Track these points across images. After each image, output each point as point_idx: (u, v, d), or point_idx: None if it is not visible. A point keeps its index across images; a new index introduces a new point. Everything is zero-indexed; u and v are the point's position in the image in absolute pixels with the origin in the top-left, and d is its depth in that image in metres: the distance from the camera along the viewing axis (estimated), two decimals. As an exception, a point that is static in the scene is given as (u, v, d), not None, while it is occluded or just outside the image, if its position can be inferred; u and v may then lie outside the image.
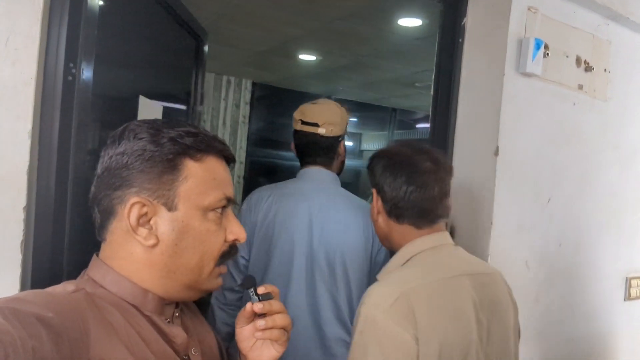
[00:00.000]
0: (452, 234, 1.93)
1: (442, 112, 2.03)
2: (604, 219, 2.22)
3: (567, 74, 2.00)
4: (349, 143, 11.25)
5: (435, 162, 1.33)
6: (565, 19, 1.98)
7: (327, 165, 1.94)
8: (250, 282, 0.95)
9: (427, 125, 8.55)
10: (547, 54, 1.89)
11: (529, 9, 1.87)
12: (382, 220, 1.37)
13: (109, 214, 0.88)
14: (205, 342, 1.02)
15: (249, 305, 0.94)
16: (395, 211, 1.32)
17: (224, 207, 0.93)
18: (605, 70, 2.12)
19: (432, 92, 2.09)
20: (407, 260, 1.30)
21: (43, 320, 0.67)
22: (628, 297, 2.35)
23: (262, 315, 0.94)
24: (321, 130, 1.89)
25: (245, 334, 0.96)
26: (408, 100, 7.62)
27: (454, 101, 1.99)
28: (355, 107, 8.32)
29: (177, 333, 0.91)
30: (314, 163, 1.94)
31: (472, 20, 1.98)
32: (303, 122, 1.92)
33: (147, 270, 0.87)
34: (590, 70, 2.05)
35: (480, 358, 1.21)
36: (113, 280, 0.87)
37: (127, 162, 0.86)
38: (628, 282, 2.34)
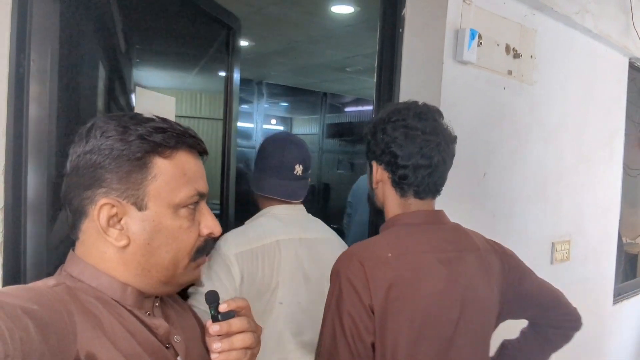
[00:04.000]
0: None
1: (386, 99, 2.15)
2: (531, 190, 2.45)
3: (498, 61, 2.19)
4: (279, 127, 11.25)
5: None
6: (496, 9, 2.15)
7: None
8: (212, 298, 0.89)
9: (356, 108, 8.68)
10: (481, 43, 2.06)
11: (464, 1, 2.03)
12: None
13: (80, 213, 0.87)
14: (187, 328, 1.01)
15: (208, 323, 0.89)
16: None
17: (196, 202, 0.91)
18: (531, 56, 2.32)
19: (375, 79, 2.20)
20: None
21: (29, 313, 0.66)
22: (554, 260, 2.60)
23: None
24: None
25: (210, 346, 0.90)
26: (338, 85, 7.77)
27: (396, 88, 2.12)
28: (286, 91, 8.39)
29: (159, 324, 0.91)
30: None
31: (411, 11, 2.10)
32: None
33: (121, 268, 0.87)
34: (519, 57, 2.24)
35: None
36: (92, 274, 0.87)
37: (95, 161, 0.84)
38: (553, 247, 2.59)
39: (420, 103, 1.39)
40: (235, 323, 0.88)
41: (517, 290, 1.46)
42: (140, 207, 0.86)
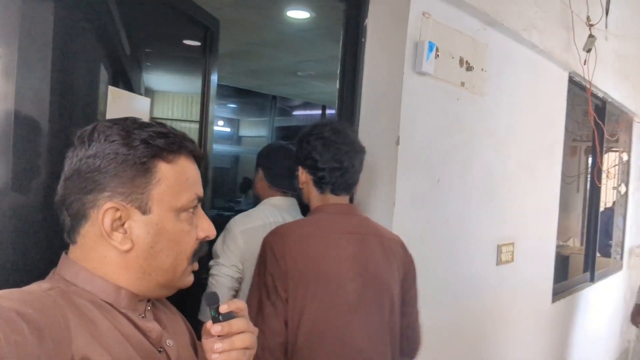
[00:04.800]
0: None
1: (348, 106, 2.23)
2: (480, 195, 2.59)
3: (453, 72, 2.31)
4: (226, 129, 11.15)
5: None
6: (452, 23, 2.27)
7: None
8: (213, 300, 0.91)
9: (305, 112, 8.73)
10: (438, 55, 2.18)
11: (423, 14, 2.14)
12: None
13: (80, 217, 0.87)
14: (178, 333, 1.02)
15: (208, 324, 0.90)
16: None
17: (195, 206, 0.94)
18: (482, 69, 2.46)
19: (337, 87, 2.28)
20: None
21: (24, 316, 0.66)
22: (500, 261, 2.76)
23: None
24: None
25: (208, 347, 0.90)
26: (288, 88, 7.82)
27: (358, 95, 2.21)
28: (234, 93, 8.36)
29: (152, 327, 0.92)
30: None
31: (373, 22, 2.19)
32: None
33: (122, 272, 0.88)
34: (471, 70, 2.38)
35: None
36: (85, 278, 0.87)
37: (99, 165, 0.85)
38: (499, 249, 2.75)
39: (336, 120, 1.86)
40: (236, 323, 0.89)
41: (405, 289, 1.78)
42: (144, 211, 0.87)
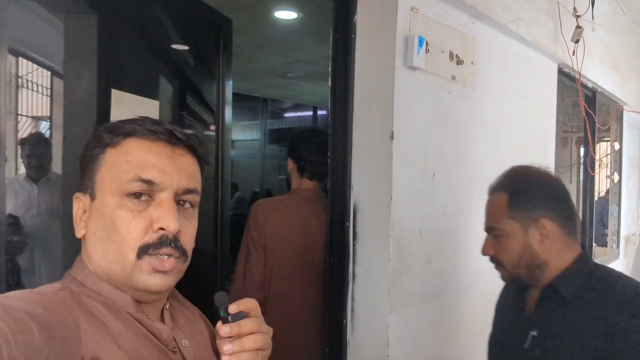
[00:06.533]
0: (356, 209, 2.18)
1: (341, 103, 2.23)
2: (476, 187, 2.60)
3: (443, 67, 2.32)
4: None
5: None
6: (440, 18, 2.29)
7: None
8: (221, 300, 0.88)
9: (296, 114, 8.75)
10: (428, 49, 2.19)
11: (411, 9, 2.15)
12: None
13: None
14: (197, 333, 1.00)
15: (218, 325, 0.88)
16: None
17: (150, 194, 0.86)
18: (472, 63, 2.48)
19: (329, 84, 2.29)
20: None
21: (33, 316, 0.67)
22: (497, 253, 2.76)
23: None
24: None
25: (220, 349, 0.89)
26: (279, 90, 7.83)
27: (351, 92, 2.22)
28: (225, 97, 8.33)
29: (161, 328, 0.90)
30: None
31: (362, 18, 2.20)
32: None
33: (97, 264, 0.87)
34: (461, 64, 2.39)
35: None
36: (94, 281, 0.87)
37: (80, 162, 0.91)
38: (496, 241, 2.75)
39: (317, 128, 2.85)
40: (246, 324, 0.87)
41: None
42: (92, 198, 0.87)
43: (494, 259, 1.51)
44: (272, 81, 7.04)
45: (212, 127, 2.16)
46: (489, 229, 1.49)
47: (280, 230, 2.34)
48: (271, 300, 2.31)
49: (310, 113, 9.11)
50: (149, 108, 1.62)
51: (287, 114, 9.61)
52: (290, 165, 2.48)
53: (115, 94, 1.42)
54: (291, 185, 2.50)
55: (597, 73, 4.00)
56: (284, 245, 2.33)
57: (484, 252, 1.51)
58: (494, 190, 1.51)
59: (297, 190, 2.45)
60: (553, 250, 1.39)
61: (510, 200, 1.43)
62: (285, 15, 4.18)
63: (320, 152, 2.36)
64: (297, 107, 9.18)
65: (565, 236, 1.40)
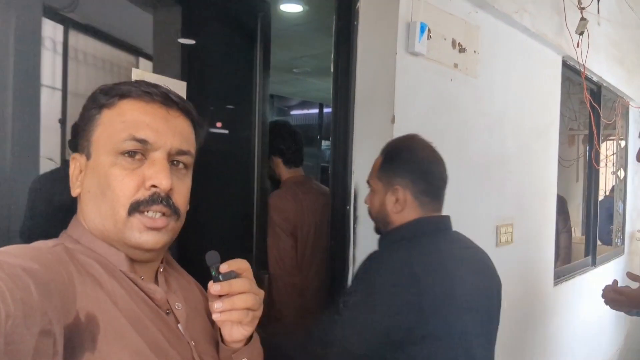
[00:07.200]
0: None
1: (343, 88, 2.26)
2: (477, 175, 2.61)
3: (445, 54, 2.34)
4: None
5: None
6: (443, 6, 2.30)
7: None
8: (213, 259, 0.89)
9: (302, 111, 8.67)
10: (430, 36, 2.20)
11: (414, -4, 2.17)
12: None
13: None
14: (190, 299, 1.00)
15: (209, 284, 0.88)
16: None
17: (143, 153, 0.88)
18: (475, 51, 2.49)
19: (332, 70, 2.30)
20: None
21: (29, 272, 0.66)
22: (499, 242, 2.77)
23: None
24: None
25: (211, 307, 0.90)
26: (285, 87, 7.82)
27: (353, 77, 2.23)
28: (232, 94, 8.34)
29: (155, 289, 0.91)
30: None
31: (365, 5, 2.22)
32: None
33: (92, 220, 0.89)
34: (464, 52, 2.40)
35: None
36: (89, 239, 0.88)
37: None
38: (498, 230, 2.77)
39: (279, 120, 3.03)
40: (237, 283, 0.87)
41: None
42: (88, 157, 0.90)
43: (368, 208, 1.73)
44: (277, 77, 7.02)
45: (219, 124, 1.95)
46: (367, 182, 1.70)
47: (301, 215, 2.57)
48: (303, 282, 2.56)
49: (317, 110, 9.11)
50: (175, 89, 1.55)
51: (293, 112, 9.61)
52: (275, 161, 2.65)
53: (136, 72, 1.37)
54: (280, 179, 2.67)
55: (602, 67, 3.99)
56: (307, 227, 2.59)
57: (365, 201, 1.72)
58: (381, 151, 1.69)
59: (290, 179, 2.65)
60: (400, 214, 1.59)
61: (382, 163, 1.64)
62: (291, 8, 4.18)
63: (295, 140, 2.66)
64: (303, 104, 9.19)
65: (417, 206, 1.60)
